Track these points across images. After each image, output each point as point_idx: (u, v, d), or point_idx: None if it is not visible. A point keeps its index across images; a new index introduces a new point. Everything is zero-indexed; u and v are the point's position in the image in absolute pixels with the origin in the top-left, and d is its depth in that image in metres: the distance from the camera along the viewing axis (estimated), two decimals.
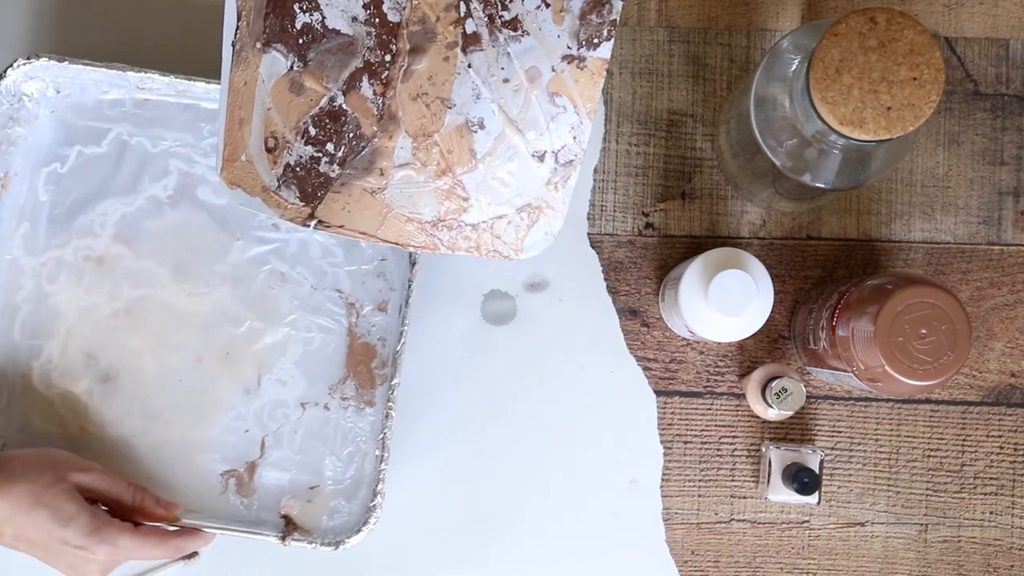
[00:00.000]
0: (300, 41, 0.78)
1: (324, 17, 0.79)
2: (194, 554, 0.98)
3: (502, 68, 0.78)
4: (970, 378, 0.99)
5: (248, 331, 0.96)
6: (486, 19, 0.78)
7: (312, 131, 0.79)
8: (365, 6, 0.78)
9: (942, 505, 0.98)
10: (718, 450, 0.99)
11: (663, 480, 0.99)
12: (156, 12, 0.99)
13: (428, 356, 0.99)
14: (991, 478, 0.98)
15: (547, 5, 0.78)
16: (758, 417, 0.99)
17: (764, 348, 0.99)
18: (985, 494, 0.98)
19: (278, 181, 0.81)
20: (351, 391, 0.96)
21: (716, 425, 0.99)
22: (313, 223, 0.82)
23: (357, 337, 0.95)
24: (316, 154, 0.79)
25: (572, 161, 0.80)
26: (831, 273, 0.99)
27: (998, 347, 0.98)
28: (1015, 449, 0.99)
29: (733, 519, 0.99)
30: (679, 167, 0.99)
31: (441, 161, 0.79)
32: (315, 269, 0.96)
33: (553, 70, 0.78)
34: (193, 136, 0.96)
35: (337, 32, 0.78)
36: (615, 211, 0.99)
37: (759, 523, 0.98)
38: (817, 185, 0.85)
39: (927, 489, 0.99)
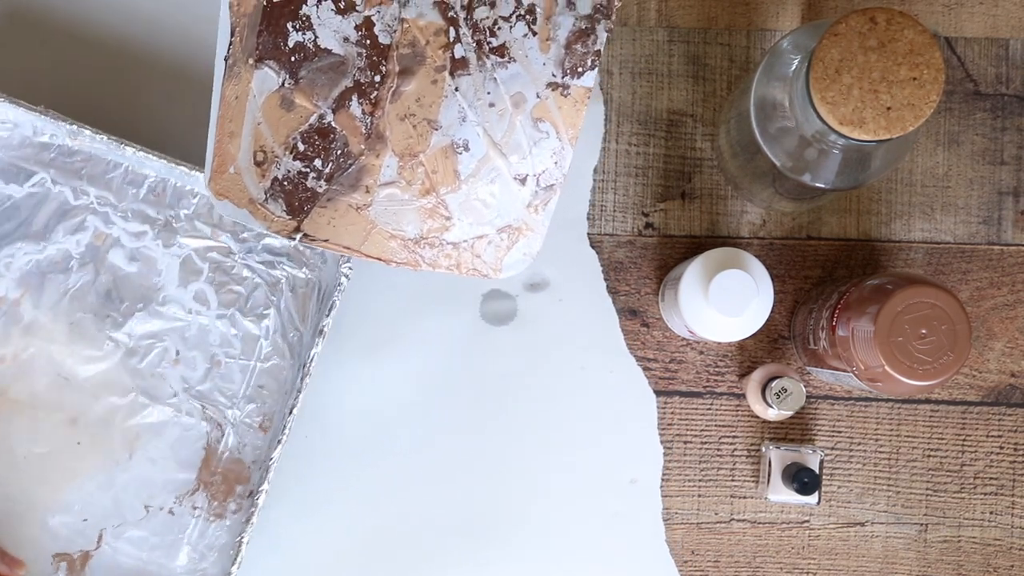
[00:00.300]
0: (292, 59, 0.80)
1: (316, 37, 0.80)
2: None
3: (488, 93, 0.80)
4: (970, 378, 0.99)
5: (131, 404, 0.96)
6: (474, 45, 0.80)
7: (301, 147, 0.81)
8: (357, 27, 0.80)
9: (942, 505, 0.98)
10: (718, 450, 0.99)
11: (663, 480, 0.99)
12: (104, 65, 0.98)
13: (427, 356, 0.99)
14: (991, 478, 0.98)
15: (534, 33, 0.80)
16: (758, 417, 0.99)
17: (764, 348, 0.99)
18: (985, 494, 0.98)
19: (265, 194, 0.83)
20: (202, 501, 0.95)
21: (716, 425, 0.99)
22: (299, 236, 0.83)
23: (226, 449, 0.96)
24: (304, 169, 0.81)
25: (553, 185, 0.82)
26: (831, 273, 0.99)
27: (998, 347, 0.98)
28: (1015, 449, 0.99)
29: (733, 519, 0.99)
30: (679, 167, 0.99)
31: (426, 181, 0.81)
32: (209, 356, 0.96)
33: (538, 96, 0.80)
34: (116, 197, 0.96)
35: (329, 52, 0.80)
36: (615, 211, 0.99)
37: (759, 523, 0.99)
38: (817, 185, 0.85)
39: (927, 489, 0.99)
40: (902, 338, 0.84)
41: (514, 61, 0.80)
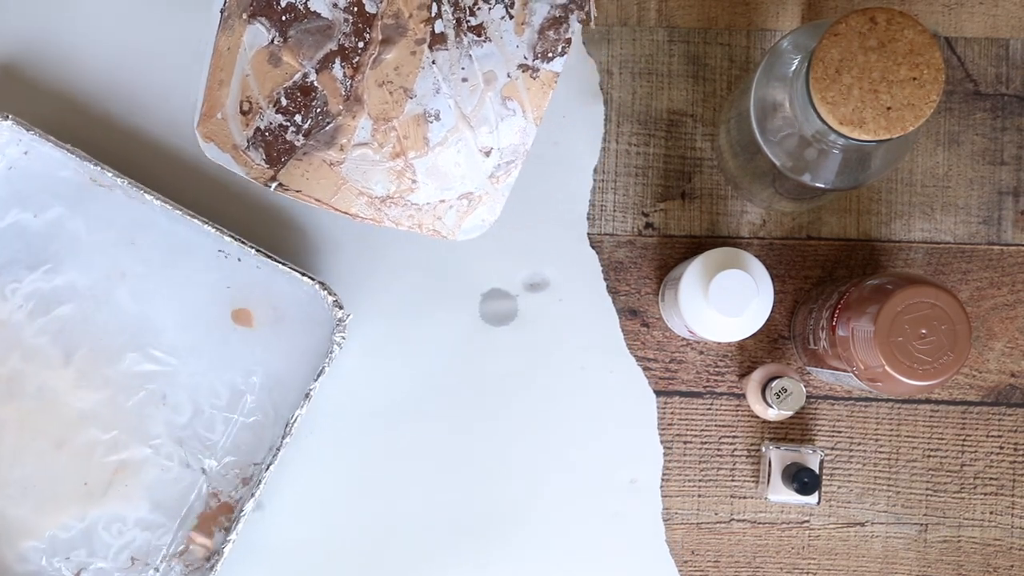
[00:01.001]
0: (283, 18, 0.85)
1: (308, 0, 0.85)
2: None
3: (463, 68, 0.85)
4: (970, 378, 0.99)
5: (113, 440, 0.96)
6: (454, 22, 0.85)
7: (284, 102, 0.86)
8: None
9: (942, 505, 0.98)
10: (718, 450, 0.99)
11: (663, 480, 0.99)
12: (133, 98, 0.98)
13: (426, 356, 0.99)
14: (991, 478, 0.99)
15: (511, 17, 0.85)
16: (758, 417, 0.99)
17: (764, 348, 0.99)
18: (985, 494, 0.98)
19: (248, 142, 0.88)
20: (172, 547, 0.96)
21: (716, 425, 0.99)
22: (274, 185, 0.87)
23: (199, 497, 0.96)
24: (284, 123, 0.86)
25: (515, 160, 0.86)
26: (831, 273, 0.99)
27: (998, 347, 0.98)
28: (1015, 449, 0.99)
29: (733, 519, 0.99)
30: (679, 167, 0.99)
31: (397, 145, 0.85)
32: (195, 404, 0.97)
33: (508, 76, 0.85)
34: (129, 237, 0.96)
35: (318, 15, 0.85)
36: (615, 211, 0.99)
37: (759, 523, 0.99)
38: (817, 185, 0.85)
39: (927, 489, 0.99)
40: (902, 338, 0.84)
41: (489, 41, 0.84)
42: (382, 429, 0.99)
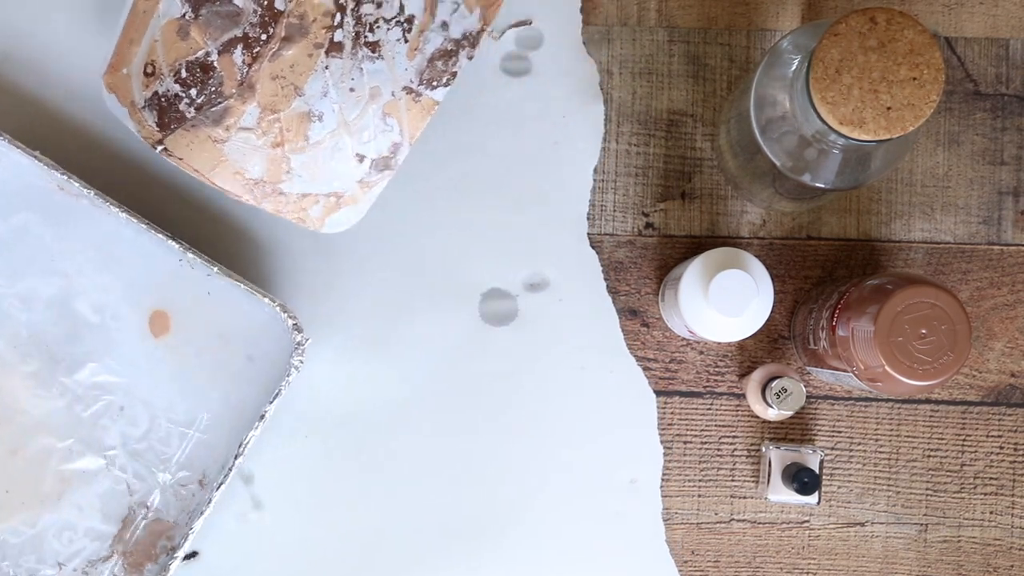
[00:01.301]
0: None
1: None
2: (194, 554, 0.98)
3: (352, 79, 0.89)
4: (970, 378, 0.99)
5: (68, 448, 0.96)
6: (353, 35, 0.89)
7: (183, 74, 0.89)
8: None
9: (942, 505, 0.98)
10: (718, 450, 0.99)
11: (663, 480, 0.99)
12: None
13: (426, 356, 0.99)
14: (991, 478, 0.99)
15: (406, 40, 0.89)
16: (758, 417, 0.99)
17: (764, 348, 0.99)
18: (985, 494, 0.98)
19: (145, 102, 0.91)
20: (117, 569, 0.96)
21: (716, 425, 0.99)
22: (160, 148, 0.91)
23: (151, 509, 0.96)
24: (180, 93, 0.90)
25: (385, 172, 0.90)
26: (831, 273, 0.99)
27: (998, 347, 0.98)
28: (1015, 449, 0.99)
29: (733, 519, 0.99)
30: (679, 167, 0.99)
31: (279, 136, 0.89)
32: (151, 417, 0.96)
33: (393, 95, 0.89)
34: (93, 249, 0.96)
35: (230, 1, 0.89)
36: (615, 211, 0.99)
37: (759, 523, 0.99)
38: (817, 185, 0.85)
39: (927, 489, 0.99)
40: (902, 338, 0.84)
41: (382, 59, 0.89)
42: (382, 429, 0.99)
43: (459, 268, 0.99)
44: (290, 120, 0.89)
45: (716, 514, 0.99)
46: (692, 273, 0.90)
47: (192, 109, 0.90)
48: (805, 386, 0.98)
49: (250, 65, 0.89)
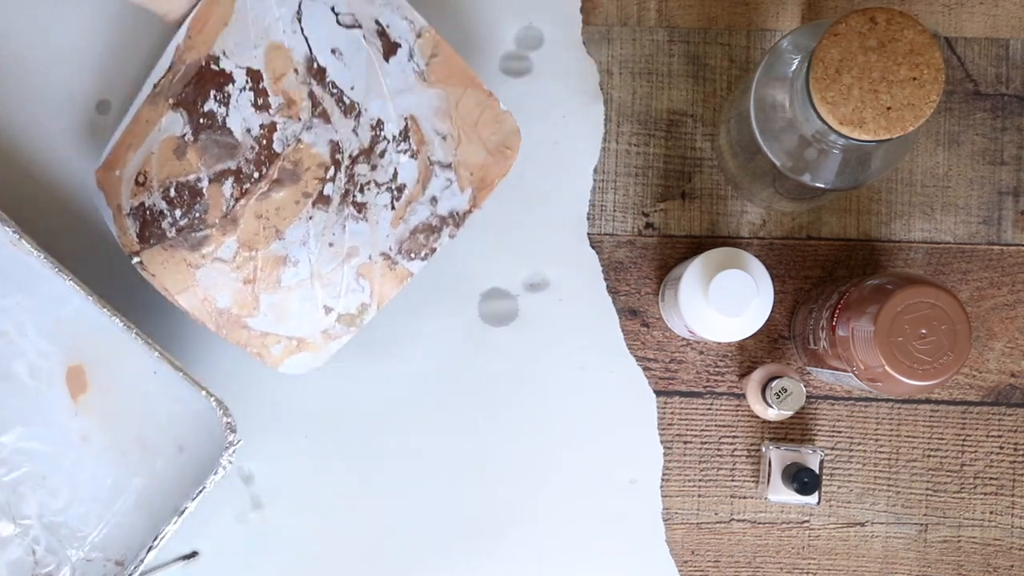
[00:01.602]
0: (200, 121, 0.90)
1: (227, 115, 0.90)
2: (194, 554, 0.98)
3: (333, 234, 0.90)
4: (970, 378, 0.99)
5: None
6: (343, 191, 0.90)
7: (172, 193, 0.90)
8: (261, 126, 0.90)
9: (942, 505, 0.98)
10: (718, 450, 0.99)
11: (663, 480, 0.99)
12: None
13: (426, 356, 0.99)
14: (991, 478, 0.99)
15: (393, 208, 0.90)
16: (758, 417, 0.99)
17: (764, 348, 0.99)
18: (985, 494, 0.98)
19: (130, 210, 0.91)
20: None
21: (716, 425, 0.99)
22: (136, 259, 0.91)
23: None
24: (166, 211, 0.90)
25: (350, 328, 0.92)
26: (831, 273, 0.99)
27: (998, 347, 0.98)
28: (1015, 449, 0.99)
29: (733, 519, 0.99)
30: (679, 167, 0.99)
31: (252, 273, 0.90)
32: (73, 492, 0.94)
33: (369, 257, 0.91)
34: (38, 310, 0.94)
35: (230, 132, 0.90)
36: (615, 211, 0.99)
37: (759, 523, 0.99)
38: (817, 185, 0.85)
39: (927, 489, 0.99)
40: (902, 338, 0.84)
41: (366, 221, 0.90)
42: (381, 429, 0.99)
43: (459, 268, 0.99)
44: (266, 260, 0.90)
45: (716, 514, 0.99)
46: (692, 273, 0.90)
47: (173, 229, 0.90)
48: (805, 386, 0.98)
49: (237, 199, 0.90)
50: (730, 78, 0.99)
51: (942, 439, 0.99)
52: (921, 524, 0.99)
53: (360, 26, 0.90)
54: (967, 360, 0.98)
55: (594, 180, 0.99)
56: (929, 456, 0.99)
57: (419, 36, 0.91)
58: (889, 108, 0.79)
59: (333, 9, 0.90)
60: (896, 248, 0.99)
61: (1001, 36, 0.99)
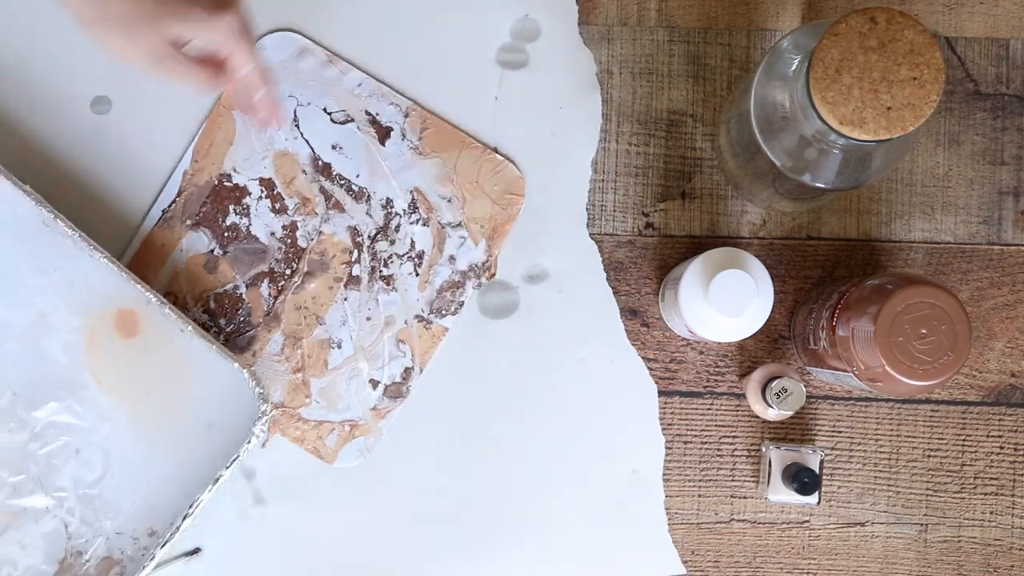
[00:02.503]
0: (225, 234, 0.98)
1: (250, 224, 0.99)
2: (197, 550, 0.98)
3: (369, 309, 0.98)
4: (970, 378, 0.99)
5: (18, 484, 0.96)
6: (369, 269, 0.98)
7: (212, 304, 0.99)
8: (284, 227, 0.98)
9: (942, 505, 0.98)
10: (718, 450, 0.99)
11: (663, 479, 0.99)
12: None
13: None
14: (991, 478, 0.98)
15: (417, 274, 0.98)
16: (758, 417, 0.99)
17: (764, 348, 0.99)
18: (985, 494, 0.98)
19: None
20: None
21: (716, 425, 0.99)
22: None
23: (92, 556, 0.95)
24: (209, 323, 0.99)
25: (396, 400, 0.98)
26: (831, 273, 0.99)
27: (998, 347, 0.98)
28: (1015, 449, 0.99)
29: (733, 519, 0.99)
30: (679, 167, 0.99)
31: (300, 361, 0.98)
32: (106, 464, 0.96)
33: (405, 323, 0.98)
34: (68, 287, 0.96)
35: (256, 239, 0.99)
36: (615, 211, 0.99)
37: (759, 523, 0.98)
38: (817, 185, 0.85)
39: (927, 489, 0.99)
40: (902, 338, 0.84)
41: (395, 291, 0.98)
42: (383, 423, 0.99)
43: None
44: (311, 347, 0.98)
45: (716, 514, 0.99)
46: (692, 273, 0.90)
47: (221, 337, 0.98)
48: (805, 386, 0.98)
49: (275, 296, 0.98)
50: (730, 78, 0.99)
51: (942, 439, 0.99)
52: (921, 524, 0.98)
53: (353, 120, 0.99)
54: (967, 360, 0.98)
55: (593, 172, 0.99)
56: (929, 456, 0.99)
57: (407, 116, 0.98)
58: (889, 108, 0.79)
59: (325, 110, 0.98)
60: (896, 248, 0.99)
61: (1001, 36, 0.99)
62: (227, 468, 0.93)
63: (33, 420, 0.96)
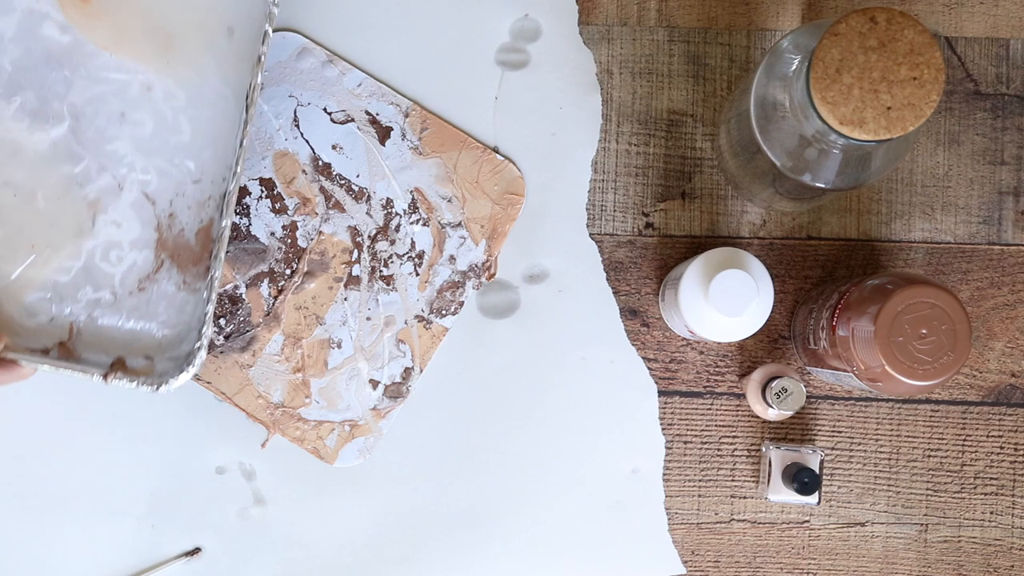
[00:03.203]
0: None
1: (250, 224, 0.98)
2: (197, 550, 0.98)
3: (369, 309, 0.98)
4: (970, 378, 0.99)
5: (85, 170, 0.94)
6: (369, 269, 0.98)
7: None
8: (284, 227, 0.98)
9: (942, 505, 0.98)
10: (718, 450, 0.99)
11: (663, 479, 0.99)
12: None
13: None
14: (991, 478, 0.98)
15: (417, 274, 0.98)
16: (758, 417, 0.99)
17: (764, 348, 0.99)
18: (985, 494, 0.98)
19: None
20: (168, 268, 0.94)
21: (716, 425, 0.99)
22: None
23: (183, 201, 0.94)
24: None
25: (396, 400, 0.98)
26: (831, 273, 0.99)
27: (998, 347, 0.98)
28: (1015, 449, 0.99)
29: (733, 519, 0.99)
30: (679, 167, 0.99)
31: (300, 361, 0.98)
32: (155, 112, 0.94)
33: (405, 323, 0.98)
34: None
35: (256, 239, 0.98)
36: (615, 211, 0.99)
37: (759, 523, 0.98)
38: (817, 185, 0.85)
39: (927, 489, 0.99)
40: (902, 338, 0.84)
41: (396, 291, 0.98)
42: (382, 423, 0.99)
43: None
44: (311, 347, 0.98)
45: (716, 514, 0.99)
46: (692, 273, 0.90)
47: (221, 337, 0.98)
48: (805, 386, 0.98)
49: (275, 297, 0.98)
50: (730, 78, 0.99)
51: (942, 439, 0.99)
52: (921, 524, 0.98)
53: (353, 120, 0.99)
54: (967, 360, 0.98)
55: (592, 171, 0.99)
56: (929, 456, 0.99)
57: (407, 116, 0.98)
58: (889, 108, 0.79)
59: (325, 110, 0.98)
60: (896, 248, 0.99)
61: (1001, 36, 0.99)
62: (263, 44, 0.91)
63: (68, 106, 0.94)
